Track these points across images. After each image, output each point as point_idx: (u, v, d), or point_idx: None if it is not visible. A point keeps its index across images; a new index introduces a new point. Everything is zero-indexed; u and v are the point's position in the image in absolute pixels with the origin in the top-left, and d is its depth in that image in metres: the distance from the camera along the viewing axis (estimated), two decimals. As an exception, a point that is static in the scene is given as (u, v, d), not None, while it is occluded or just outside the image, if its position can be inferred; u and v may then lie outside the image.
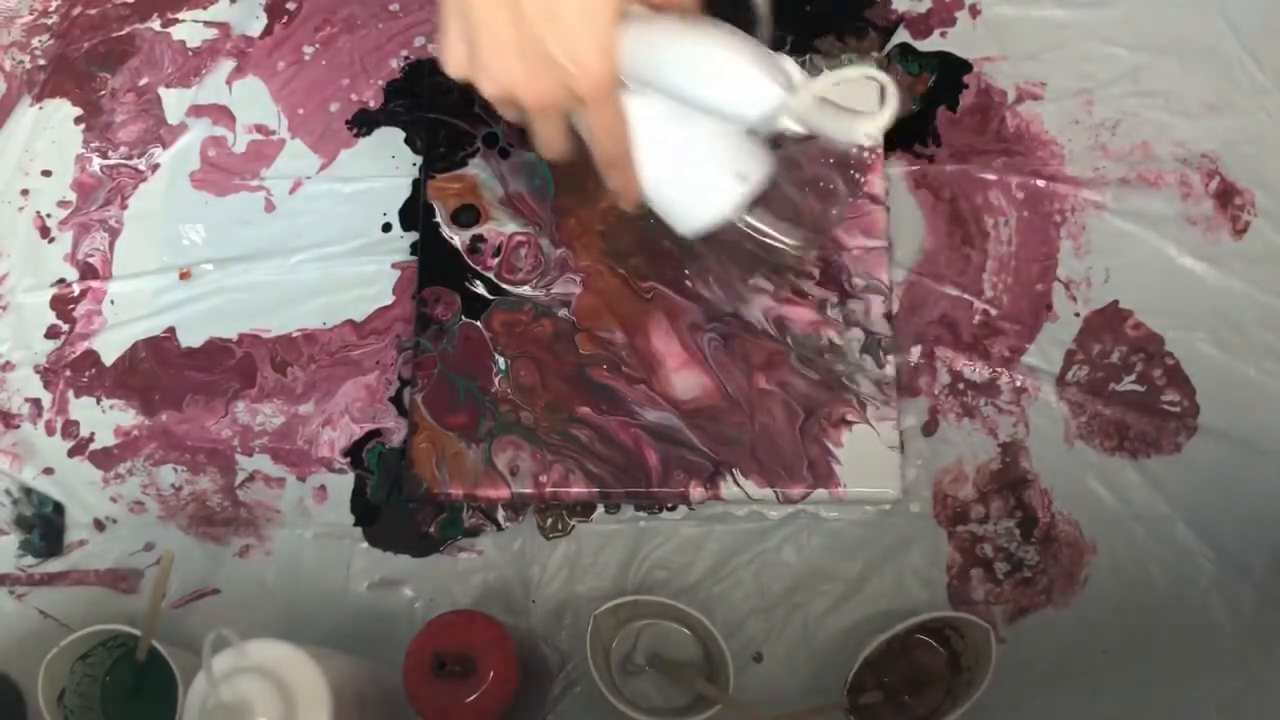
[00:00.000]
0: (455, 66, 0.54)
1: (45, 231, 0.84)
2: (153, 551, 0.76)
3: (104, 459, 0.79)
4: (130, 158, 0.85)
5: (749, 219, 0.61)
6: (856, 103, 0.52)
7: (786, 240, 0.62)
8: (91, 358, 0.81)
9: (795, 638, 0.72)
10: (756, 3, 0.58)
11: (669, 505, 0.74)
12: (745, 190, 0.60)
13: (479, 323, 0.76)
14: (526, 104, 0.54)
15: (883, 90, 0.51)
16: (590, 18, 0.51)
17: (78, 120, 0.87)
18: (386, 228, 0.82)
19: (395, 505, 0.76)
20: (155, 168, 0.85)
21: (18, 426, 0.80)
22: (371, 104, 0.85)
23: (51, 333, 0.82)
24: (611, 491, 0.73)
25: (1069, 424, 0.75)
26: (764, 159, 0.61)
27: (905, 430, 0.74)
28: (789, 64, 0.53)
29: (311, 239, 0.82)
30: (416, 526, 0.76)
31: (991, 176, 0.79)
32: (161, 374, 0.80)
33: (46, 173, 0.86)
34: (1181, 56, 0.81)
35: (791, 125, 0.53)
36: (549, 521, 0.75)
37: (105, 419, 0.79)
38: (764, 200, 0.61)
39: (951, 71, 0.82)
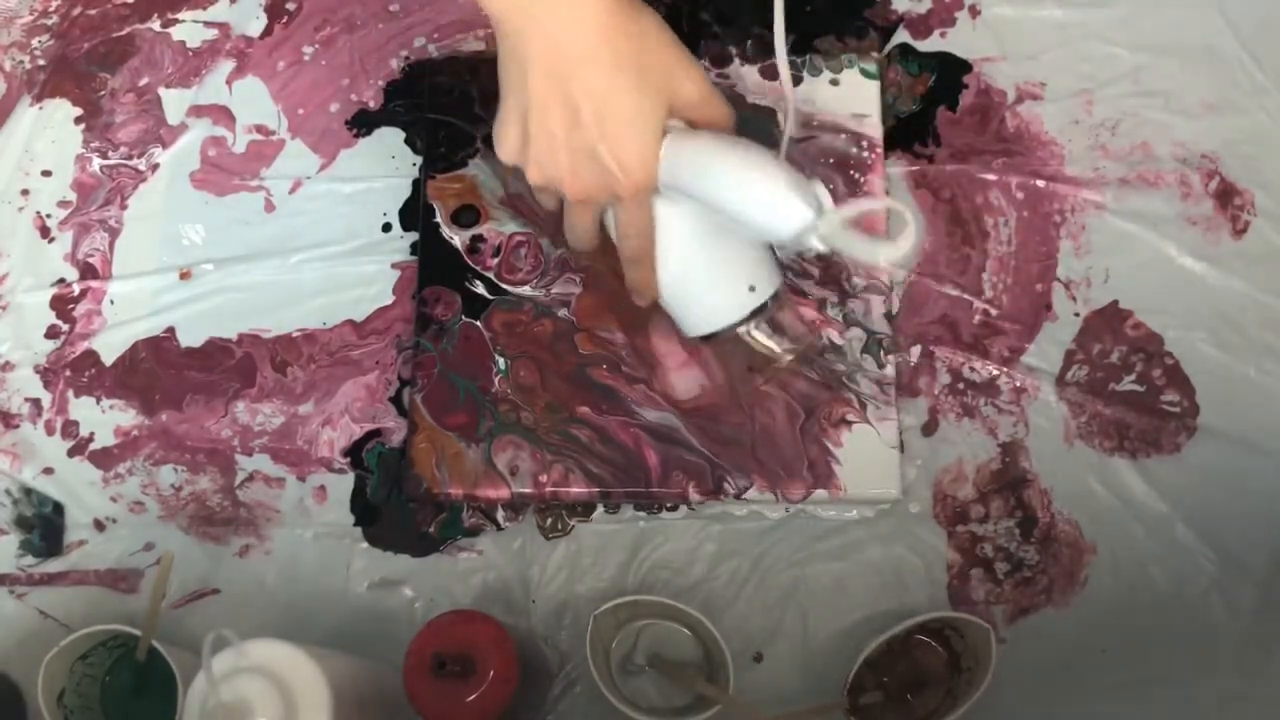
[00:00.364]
0: (507, 151, 0.60)
1: (45, 231, 0.84)
2: (153, 551, 0.76)
3: (104, 459, 0.79)
4: (130, 158, 0.85)
5: (751, 329, 0.65)
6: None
7: (778, 350, 0.66)
8: (91, 358, 0.81)
9: (795, 638, 0.72)
10: (779, 128, 0.63)
11: (669, 505, 0.74)
12: (755, 303, 0.64)
13: (479, 322, 0.76)
14: (566, 196, 0.58)
15: (901, 216, 0.54)
16: (638, 128, 0.56)
17: (78, 120, 0.87)
18: (386, 228, 0.82)
19: (395, 505, 0.76)
20: (155, 168, 0.85)
21: (18, 426, 0.80)
22: (371, 104, 0.85)
23: (51, 333, 0.82)
24: (611, 491, 0.73)
25: (1069, 424, 0.75)
26: (776, 275, 0.65)
27: (905, 430, 0.74)
28: (820, 188, 0.57)
29: (311, 239, 0.82)
30: (416, 526, 0.76)
31: (991, 176, 0.79)
32: (161, 374, 0.80)
33: (46, 173, 0.86)
34: (1181, 56, 0.81)
35: (817, 245, 0.56)
36: (549, 521, 0.75)
37: (105, 419, 0.79)
38: (768, 313, 0.65)
39: (951, 71, 0.82)
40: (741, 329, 0.65)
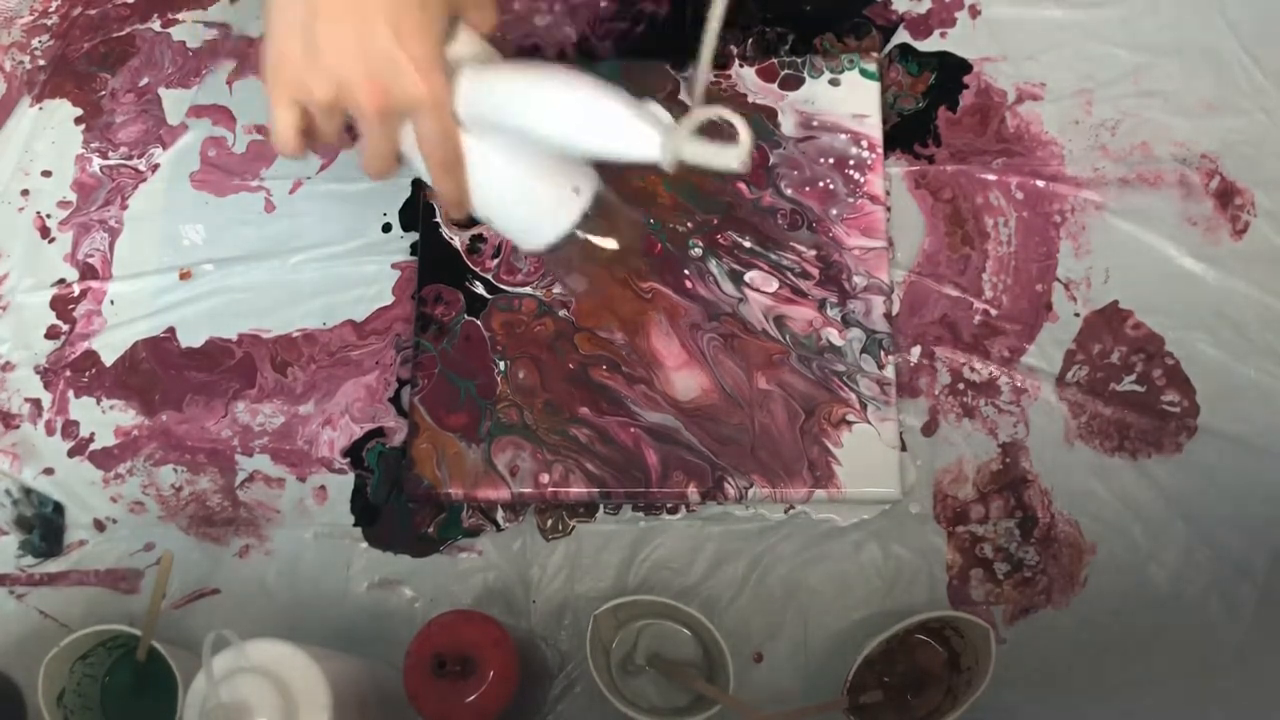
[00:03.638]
0: (290, 66, 0.56)
1: (45, 231, 0.84)
2: (153, 551, 0.76)
3: (104, 459, 0.79)
4: (130, 158, 0.86)
5: (580, 230, 0.63)
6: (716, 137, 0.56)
7: (616, 245, 0.65)
8: (91, 358, 0.81)
9: (795, 638, 0.72)
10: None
11: (669, 506, 0.74)
12: (583, 203, 0.62)
13: (479, 321, 0.76)
14: (363, 105, 0.55)
15: (733, 125, 0.54)
16: (429, 31, 0.55)
17: (78, 120, 0.87)
18: (386, 228, 0.82)
19: (395, 505, 0.76)
20: (155, 168, 0.85)
21: (18, 426, 0.80)
22: (371, 104, 0.85)
23: (51, 333, 0.82)
24: (611, 492, 0.73)
25: (1069, 424, 0.75)
26: (591, 171, 0.63)
27: (905, 430, 0.74)
28: (656, 107, 0.56)
29: (311, 239, 0.82)
30: (416, 526, 0.76)
31: (991, 176, 0.79)
32: (161, 374, 0.80)
33: (46, 173, 0.86)
34: (1181, 56, 0.81)
35: (666, 162, 0.55)
36: (549, 522, 0.75)
37: (105, 419, 0.79)
38: (600, 205, 0.64)
39: (951, 71, 0.82)
40: (579, 232, 0.63)
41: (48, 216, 0.84)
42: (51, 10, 0.90)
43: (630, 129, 0.56)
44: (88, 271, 0.83)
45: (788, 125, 0.79)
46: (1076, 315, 0.76)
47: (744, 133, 0.53)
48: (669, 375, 0.74)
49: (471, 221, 0.78)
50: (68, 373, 0.81)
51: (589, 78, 0.57)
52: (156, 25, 0.89)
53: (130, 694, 0.71)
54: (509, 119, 0.58)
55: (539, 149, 0.60)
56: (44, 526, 0.77)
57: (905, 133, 0.80)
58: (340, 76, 0.54)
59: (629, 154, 0.56)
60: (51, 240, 0.84)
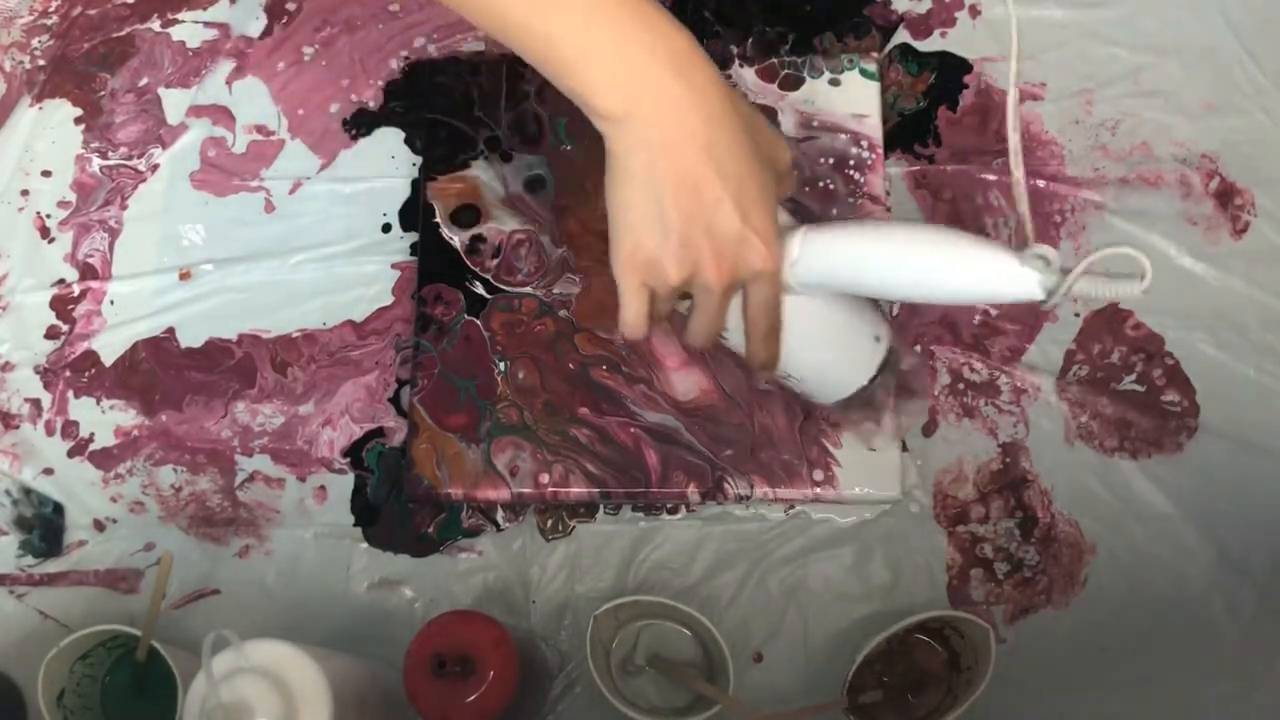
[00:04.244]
0: (648, 250, 0.56)
1: (45, 231, 0.84)
2: (153, 551, 0.76)
3: (104, 459, 0.79)
4: (130, 158, 0.85)
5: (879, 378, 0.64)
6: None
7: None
8: (91, 358, 0.81)
9: (795, 638, 0.72)
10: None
11: (669, 506, 0.74)
12: (883, 351, 0.63)
13: (479, 321, 0.76)
14: (711, 284, 0.56)
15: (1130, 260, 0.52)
16: (769, 204, 0.56)
17: (78, 120, 0.87)
18: (386, 228, 0.82)
19: (395, 505, 0.76)
20: (155, 168, 0.85)
21: (18, 426, 0.80)
22: (371, 104, 0.85)
23: (51, 333, 0.82)
24: (611, 492, 0.72)
25: (1069, 424, 0.75)
26: (885, 316, 0.64)
27: (905, 430, 0.74)
28: (1044, 249, 0.54)
29: (311, 239, 0.82)
30: (416, 526, 0.76)
31: (991, 176, 0.79)
32: (161, 374, 0.80)
33: (46, 173, 0.86)
34: (1181, 56, 0.81)
35: (1051, 301, 0.54)
36: (549, 522, 0.75)
37: (105, 419, 0.79)
38: (894, 355, 0.65)
39: (951, 71, 0.82)
40: (877, 382, 0.64)
41: (48, 216, 0.84)
42: (51, 10, 0.90)
43: (1009, 276, 0.53)
44: (87, 271, 0.83)
45: (788, 125, 0.79)
46: (1076, 315, 0.76)
47: (1146, 266, 0.51)
48: (669, 375, 0.74)
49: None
50: (67, 373, 0.81)
51: (931, 230, 0.57)
52: (156, 25, 0.89)
53: (130, 694, 0.71)
54: (854, 280, 0.57)
55: (847, 299, 0.61)
56: (44, 526, 0.77)
57: (905, 133, 0.80)
58: (693, 259, 0.55)
59: (1006, 298, 0.54)
60: (51, 240, 0.84)
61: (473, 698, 0.60)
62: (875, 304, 0.65)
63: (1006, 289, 0.54)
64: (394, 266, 0.81)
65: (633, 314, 0.58)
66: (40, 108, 0.87)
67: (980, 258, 0.54)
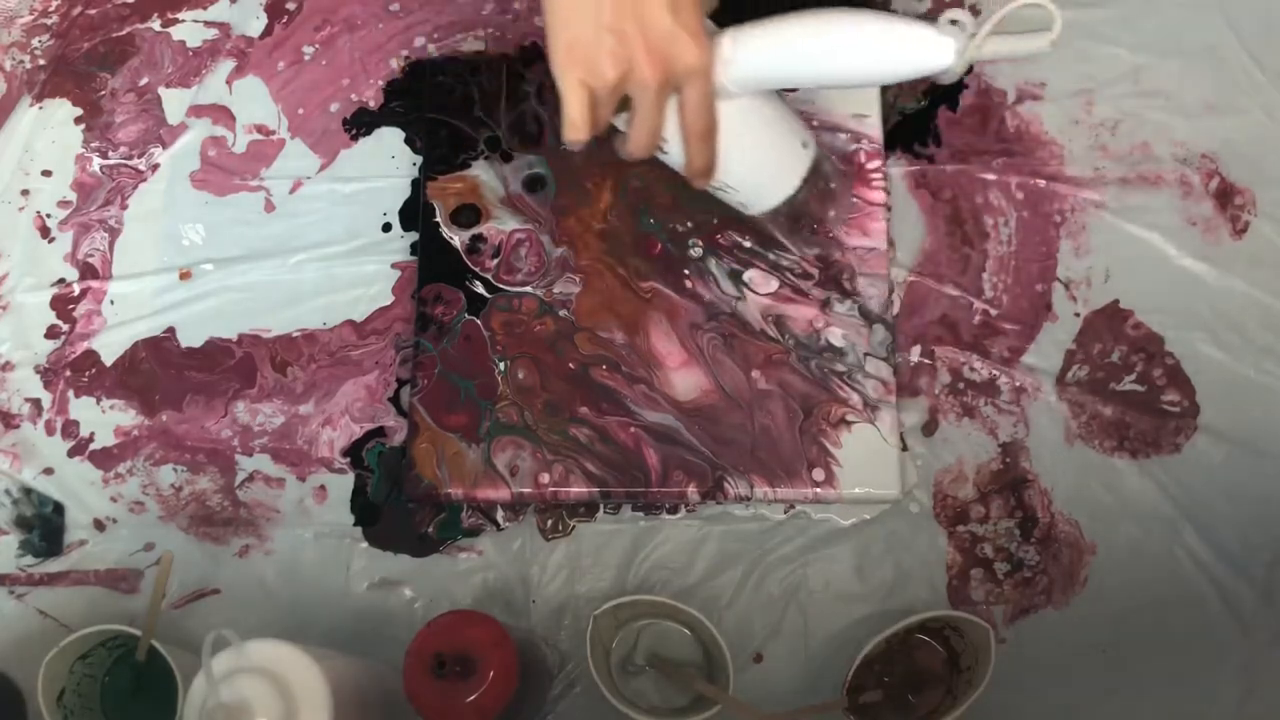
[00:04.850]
0: (582, 47, 0.59)
1: (45, 231, 0.84)
2: (153, 551, 0.76)
3: (104, 459, 0.79)
4: (130, 158, 0.86)
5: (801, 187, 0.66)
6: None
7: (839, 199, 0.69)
8: (91, 358, 0.81)
9: (795, 638, 0.72)
10: None
11: (669, 506, 0.74)
12: (810, 157, 0.65)
13: (479, 321, 0.76)
14: (647, 79, 0.58)
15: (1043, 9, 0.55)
16: (697, 6, 0.59)
17: (78, 120, 0.87)
18: (386, 228, 0.82)
19: (395, 505, 0.76)
20: (155, 168, 0.85)
21: (18, 426, 0.80)
22: (371, 104, 0.85)
23: (51, 333, 0.82)
24: (611, 491, 0.72)
25: (1069, 424, 0.75)
26: (805, 123, 0.66)
27: (905, 430, 0.74)
28: (958, 13, 0.57)
29: (311, 239, 0.82)
30: (416, 526, 0.76)
31: (991, 176, 0.79)
32: (161, 374, 0.80)
33: (46, 173, 0.86)
34: (1181, 56, 0.81)
35: (960, 66, 0.57)
36: (549, 522, 0.75)
37: (105, 419, 0.79)
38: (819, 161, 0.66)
39: (951, 71, 0.82)
40: (805, 187, 0.66)
41: (48, 216, 0.84)
42: (51, 10, 0.90)
43: (927, 42, 0.57)
44: (88, 271, 0.83)
45: (788, 125, 0.79)
46: (1076, 315, 0.76)
47: (1055, 11, 0.54)
48: (669, 375, 0.74)
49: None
50: (68, 373, 0.81)
51: (850, 11, 0.59)
52: (156, 25, 0.89)
53: (130, 694, 0.71)
54: (787, 72, 0.60)
55: (776, 104, 0.62)
56: (44, 526, 0.77)
57: (905, 132, 0.80)
58: (627, 54, 0.58)
59: (925, 67, 0.57)
60: (51, 240, 0.84)
61: (473, 698, 0.60)
62: (798, 115, 0.67)
63: (931, 58, 0.57)
64: (394, 266, 0.81)
65: (574, 110, 0.60)
66: (40, 107, 0.87)
67: (900, 29, 0.58)
